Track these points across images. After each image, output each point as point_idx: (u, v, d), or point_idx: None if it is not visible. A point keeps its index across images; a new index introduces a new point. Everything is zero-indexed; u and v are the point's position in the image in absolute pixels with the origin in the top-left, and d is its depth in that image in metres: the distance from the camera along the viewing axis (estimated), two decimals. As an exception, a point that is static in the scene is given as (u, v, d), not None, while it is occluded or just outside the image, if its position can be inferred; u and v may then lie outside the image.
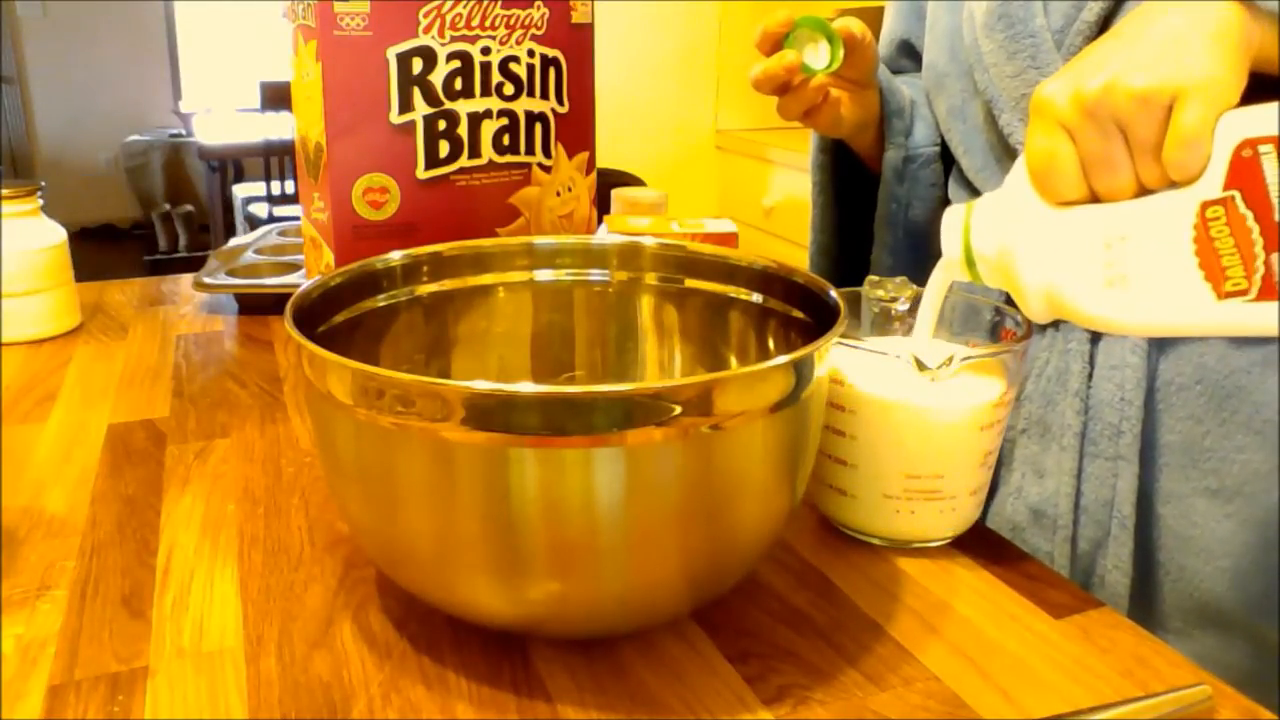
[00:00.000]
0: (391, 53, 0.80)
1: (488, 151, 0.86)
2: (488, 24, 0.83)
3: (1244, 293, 0.43)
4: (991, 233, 0.49)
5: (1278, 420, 0.58)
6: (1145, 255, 0.45)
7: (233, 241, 1.10)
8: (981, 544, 0.55)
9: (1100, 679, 0.45)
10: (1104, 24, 0.61)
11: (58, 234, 0.89)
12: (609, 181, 1.17)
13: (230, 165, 3.97)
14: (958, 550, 0.55)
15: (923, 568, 0.53)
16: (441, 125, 0.83)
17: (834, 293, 0.50)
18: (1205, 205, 0.43)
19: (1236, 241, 0.43)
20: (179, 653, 0.46)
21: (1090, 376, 0.63)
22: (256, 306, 0.96)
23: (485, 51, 0.84)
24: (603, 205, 1.00)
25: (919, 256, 0.81)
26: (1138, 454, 0.61)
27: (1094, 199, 0.46)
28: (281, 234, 1.13)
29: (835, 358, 0.52)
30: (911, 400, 0.51)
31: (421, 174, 0.84)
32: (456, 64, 0.82)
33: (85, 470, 0.64)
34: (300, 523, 0.58)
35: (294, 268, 0.99)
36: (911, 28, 0.83)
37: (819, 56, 0.69)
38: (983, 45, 0.67)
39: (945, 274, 0.52)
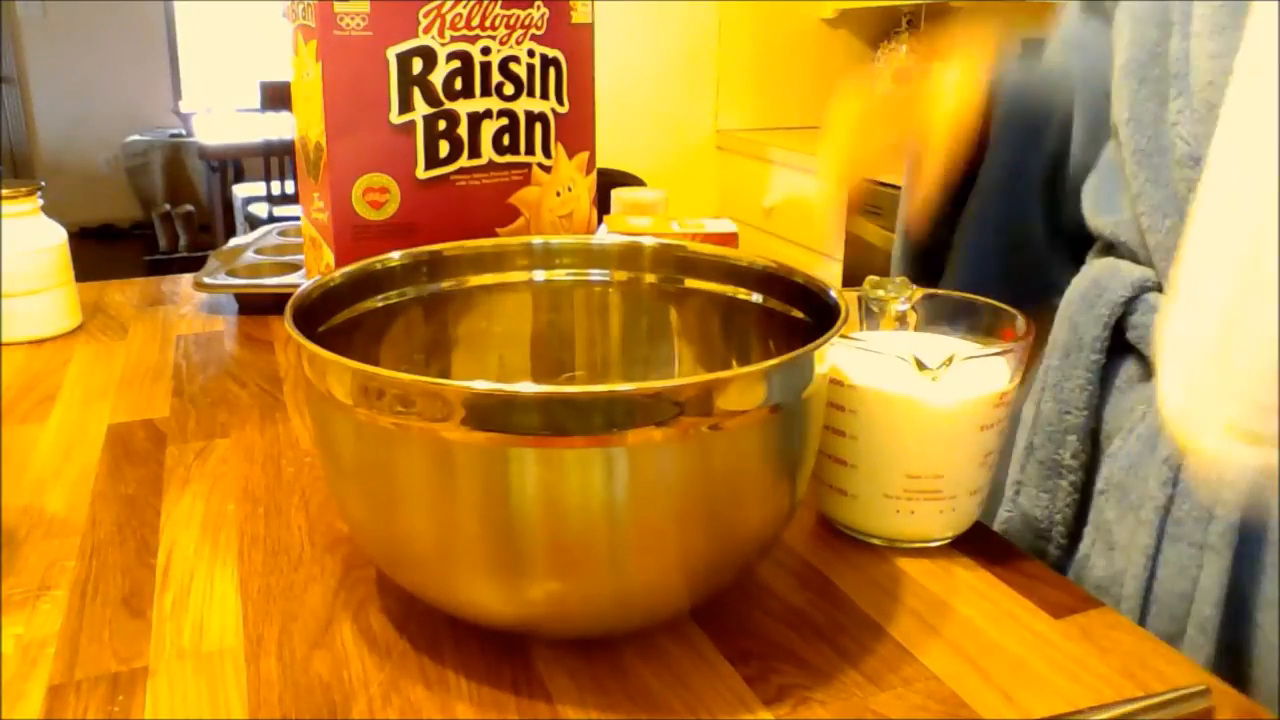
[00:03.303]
0: (391, 53, 0.80)
1: (488, 151, 0.86)
2: (488, 24, 0.83)
3: None
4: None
5: None
6: None
7: (233, 241, 1.10)
8: (981, 544, 0.55)
9: (1100, 679, 0.45)
10: None
11: (58, 234, 0.89)
12: (609, 181, 1.17)
13: (230, 165, 3.97)
14: (958, 550, 0.55)
15: (923, 568, 0.53)
16: (441, 125, 0.83)
17: (834, 292, 0.50)
18: None
19: None
20: (179, 653, 0.46)
21: None
22: (256, 306, 0.96)
23: (485, 51, 0.84)
24: (603, 205, 1.00)
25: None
26: (1231, 546, 0.51)
27: None
28: (281, 234, 1.13)
29: (835, 357, 0.52)
30: (912, 399, 0.51)
31: (421, 174, 0.84)
32: (456, 64, 0.82)
33: (85, 470, 0.64)
34: (300, 523, 0.58)
35: (294, 268, 0.99)
36: None
37: None
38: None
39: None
